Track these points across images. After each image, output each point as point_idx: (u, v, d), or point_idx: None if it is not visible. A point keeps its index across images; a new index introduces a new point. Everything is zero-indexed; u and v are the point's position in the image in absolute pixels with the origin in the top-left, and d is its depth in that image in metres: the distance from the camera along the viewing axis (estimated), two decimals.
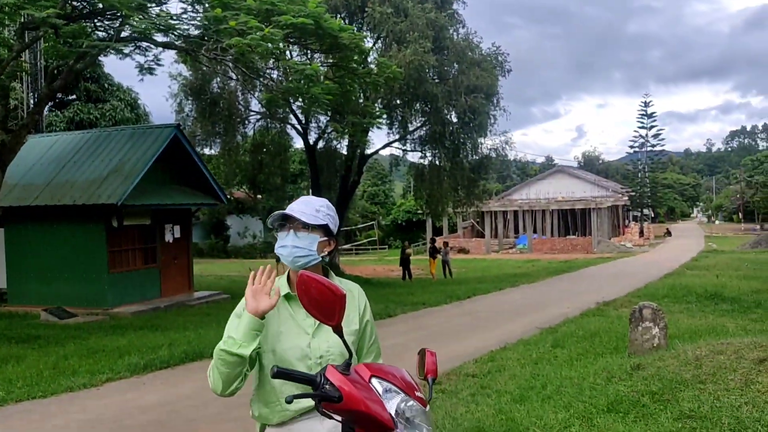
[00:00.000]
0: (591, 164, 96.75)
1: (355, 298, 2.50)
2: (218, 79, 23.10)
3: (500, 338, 10.36)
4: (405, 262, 26.47)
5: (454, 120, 24.58)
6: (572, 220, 51.52)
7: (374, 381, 2.04)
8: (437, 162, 25.91)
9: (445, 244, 29.71)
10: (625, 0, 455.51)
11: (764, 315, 11.63)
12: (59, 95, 29.74)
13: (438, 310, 15.03)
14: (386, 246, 54.85)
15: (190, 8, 13.80)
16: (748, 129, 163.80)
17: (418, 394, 2.11)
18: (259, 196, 41.71)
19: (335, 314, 1.98)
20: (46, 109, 21.79)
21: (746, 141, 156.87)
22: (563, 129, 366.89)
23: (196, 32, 13.80)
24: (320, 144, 26.11)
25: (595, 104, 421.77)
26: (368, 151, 27.10)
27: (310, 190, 29.12)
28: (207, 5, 13.23)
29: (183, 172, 16.96)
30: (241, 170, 27.50)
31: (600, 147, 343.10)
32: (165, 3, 13.45)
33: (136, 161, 15.28)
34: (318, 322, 2.28)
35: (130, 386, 8.04)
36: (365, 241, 57.90)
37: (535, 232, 49.56)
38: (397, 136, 25.88)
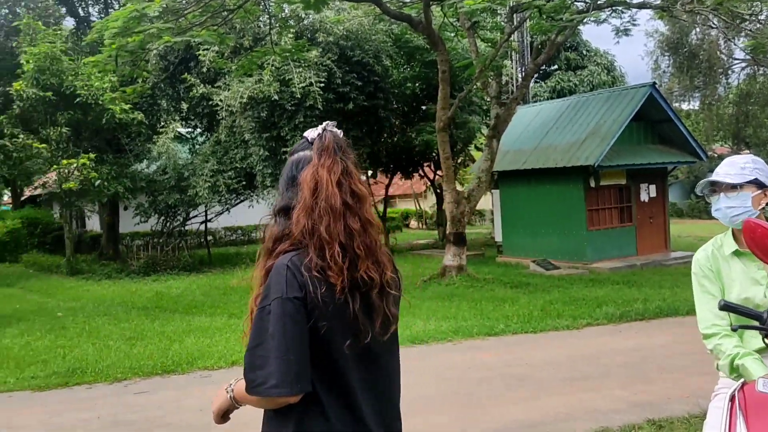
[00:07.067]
0: None
1: None
2: (697, 30, 21.91)
3: None
4: None
5: None
6: None
7: None
8: None
9: None
10: None
11: None
12: (543, 67, 32.15)
13: None
14: None
15: None
16: None
17: None
18: (746, 152, 37.95)
19: None
20: (532, 81, 24.03)
21: None
22: None
23: None
24: None
25: None
26: None
27: None
28: None
29: (658, 130, 16.92)
30: (723, 124, 25.63)
31: None
32: None
33: (611, 123, 15.87)
34: None
35: (607, 332, 8.79)
36: None
37: None
38: None
